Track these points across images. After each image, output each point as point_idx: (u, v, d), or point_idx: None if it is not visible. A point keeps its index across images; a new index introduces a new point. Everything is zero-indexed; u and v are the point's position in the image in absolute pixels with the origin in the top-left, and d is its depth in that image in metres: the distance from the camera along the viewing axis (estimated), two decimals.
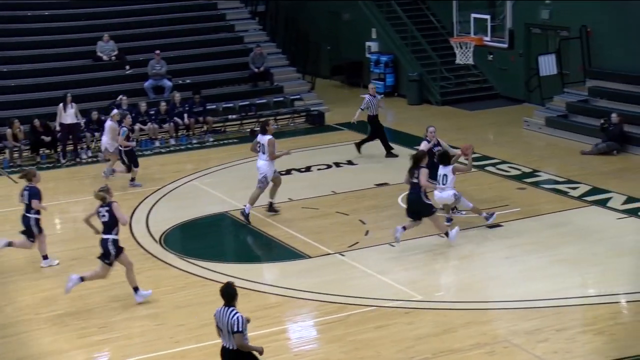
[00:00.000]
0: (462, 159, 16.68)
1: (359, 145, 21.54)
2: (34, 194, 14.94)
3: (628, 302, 13.11)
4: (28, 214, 15.01)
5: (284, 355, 11.72)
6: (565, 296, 13.14)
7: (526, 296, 13.22)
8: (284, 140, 23.49)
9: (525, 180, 19.19)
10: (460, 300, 13.30)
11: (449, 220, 16.24)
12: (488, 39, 26.50)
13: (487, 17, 26.73)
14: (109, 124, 20.15)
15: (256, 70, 26.68)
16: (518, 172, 19.76)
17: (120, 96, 23.78)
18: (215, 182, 20.03)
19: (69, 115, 22.25)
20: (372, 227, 16.49)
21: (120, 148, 19.46)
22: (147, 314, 13.20)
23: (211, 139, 23.96)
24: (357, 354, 11.68)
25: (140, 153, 22.68)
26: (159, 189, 19.41)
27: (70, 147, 22.54)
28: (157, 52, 25.73)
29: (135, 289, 13.49)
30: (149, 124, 23.66)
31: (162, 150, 23.03)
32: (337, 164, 21.06)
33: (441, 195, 15.90)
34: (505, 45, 26.78)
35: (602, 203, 17.37)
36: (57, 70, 25.86)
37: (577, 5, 24.35)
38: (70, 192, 19.84)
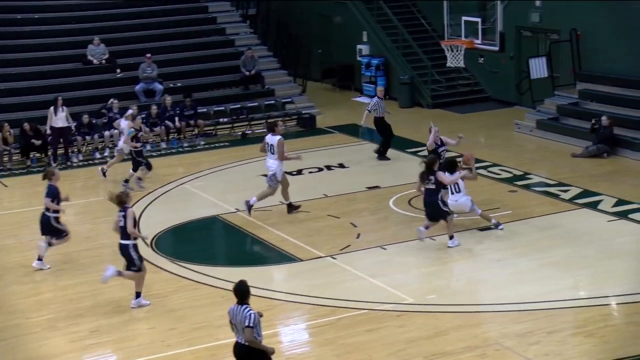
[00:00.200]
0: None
1: (382, 154, 21.37)
2: (48, 192, 15.00)
3: (618, 304, 13.14)
4: (47, 213, 15.07)
5: (276, 358, 11.67)
6: (556, 299, 13.16)
7: (517, 299, 13.24)
8: None
9: (516, 182, 19.23)
10: (451, 303, 13.30)
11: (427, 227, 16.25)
12: (479, 41, 26.57)
13: (478, 20, 26.81)
14: (124, 123, 20.12)
15: (247, 73, 26.67)
16: (509, 175, 19.79)
17: (112, 100, 23.74)
18: (206, 185, 20.01)
19: (59, 118, 22.19)
20: (364, 230, 16.49)
21: (131, 149, 19.46)
22: (139, 317, 13.17)
23: (202, 142, 23.94)
24: (349, 357, 11.69)
25: (131, 156, 22.69)
26: (150, 193, 19.38)
27: (61, 151, 22.48)
28: (148, 55, 25.69)
29: (138, 294, 13.44)
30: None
31: (154, 154, 22.96)
32: (329, 167, 21.06)
33: (458, 201, 15.91)
34: (496, 48, 26.86)
35: (593, 206, 17.42)
36: (47, 73, 25.79)
37: (567, 9, 24.42)
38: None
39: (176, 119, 24.03)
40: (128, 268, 13.32)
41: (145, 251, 15.80)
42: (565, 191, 18.43)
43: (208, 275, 14.56)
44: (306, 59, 28.94)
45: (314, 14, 31.93)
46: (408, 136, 23.12)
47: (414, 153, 21.68)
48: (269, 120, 18.54)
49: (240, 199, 18.47)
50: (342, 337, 12.20)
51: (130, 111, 20.89)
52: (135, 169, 19.53)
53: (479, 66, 27.98)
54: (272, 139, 17.14)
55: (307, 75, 28.65)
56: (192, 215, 17.82)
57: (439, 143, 17.60)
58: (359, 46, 29.95)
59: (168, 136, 23.94)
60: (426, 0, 29.50)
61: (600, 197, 17.89)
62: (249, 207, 17.11)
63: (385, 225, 16.78)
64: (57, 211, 15.02)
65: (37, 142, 22.39)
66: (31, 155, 22.50)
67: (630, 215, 16.72)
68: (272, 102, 26.31)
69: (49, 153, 22.44)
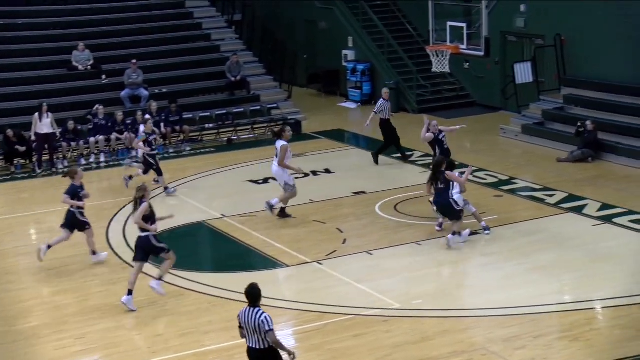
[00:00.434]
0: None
1: (377, 154, 21.46)
2: (67, 190, 15.39)
3: (603, 308, 13.20)
4: (71, 209, 15.38)
5: None
6: (542, 303, 13.20)
7: (503, 303, 13.27)
8: (261, 149, 23.53)
9: (502, 187, 19.29)
10: (437, 308, 13.31)
11: (441, 225, 16.31)
12: (464, 47, 26.68)
13: (463, 25, 26.91)
14: (142, 128, 20.03)
15: (233, 79, 26.66)
16: (495, 180, 19.85)
17: (97, 106, 23.69)
18: (192, 191, 19.96)
19: (44, 124, 22.11)
20: (350, 236, 16.50)
21: (144, 154, 19.42)
22: (125, 324, 13.13)
23: (188, 148, 23.91)
24: None
25: (117, 162, 22.65)
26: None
27: (46, 157, 22.39)
28: (134, 61, 25.64)
29: (130, 292, 13.54)
30: (126, 133, 23.55)
31: (139, 160, 22.90)
32: (315, 173, 21.06)
33: (453, 198, 15.94)
34: (482, 53, 26.96)
35: (578, 210, 17.49)
36: (31, 79, 25.71)
37: (552, 14, 24.53)
38: (46, 202, 19.68)
39: (162, 124, 23.97)
40: (157, 255, 13.73)
41: (131, 257, 15.75)
42: (550, 196, 18.50)
43: (194, 282, 14.52)
44: (292, 64, 28.95)
45: (300, 19, 31.96)
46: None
47: (400, 158, 21.70)
48: (278, 124, 18.59)
49: (226, 205, 18.51)
50: (329, 342, 12.19)
51: (147, 116, 20.79)
52: (159, 172, 19.45)
53: (465, 71, 28.07)
54: (277, 144, 17.42)
55: (292, 81, 28.67)
56: (178, 221, 17.71)
57: (438, 132, 18.23)
58: (344, 51, 30.00)
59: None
60: (412, 1, 29.56)
61: (585, 201, 17.97)
62: (271, 206, 17.34)
63: (372, 230, 16.79)
64: (80, 206, 15.40)
65: (22, 149, 22.30)
66: (15, 162, 22.41)
67: (614, 220, 16.79)
68: (258, 107, 26.31)
69: (34, 159, 22.35)
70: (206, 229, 17.46)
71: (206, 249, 17.39)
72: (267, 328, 9.62)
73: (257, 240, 16.45)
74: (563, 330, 12.40)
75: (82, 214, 15.46)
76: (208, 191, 19.90)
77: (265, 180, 20.33)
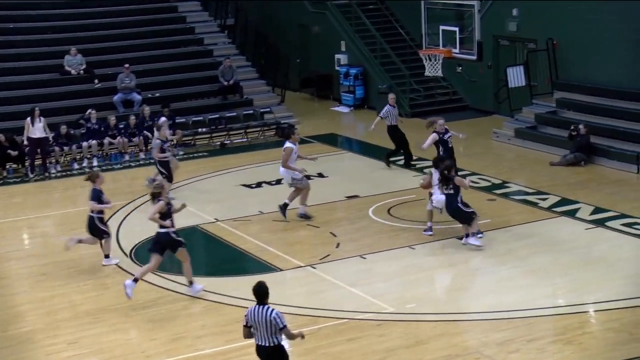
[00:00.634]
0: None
1: (406, 162, 21.41)
2: (92, 196, 15.33)
3: (596, 311, 13.22)
4: (91, 214, 15.34)
5: None
6: (535, 306, 13.21)
7: (497, 307, 13.28)
8: (254, 154, 23.55)
9: (495, 191, 19.30)
10: (431, 312, 13.31)
11: (429, 230, 16.31)
12: (457, 51, 26.74)
13: (456, 29, 26.98)
14: (157, 134, 19.87)
15: (226, 83, 26.65)
16: (488, 184, 19.87)
17: (89, 110, 23.66)
18: (185, 195, 19.91)
19: (37, 129, 22.05)
20: (343, 240, 16.49)
21: (155, 159, 19.35)
22: (118, 328, 13.10)
23: (181, 152, 23.86)
24: None
25: (110, 167, 22.62)
26: (129, 203, 19.29)
27: (38, 162, 22.34)
28: (126, 65, 25.62)
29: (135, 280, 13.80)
30: (119, 137, 23.54)
31: (132, 164, 22.91)
32: (308, 177, 20.98)
33: (441, 198, 15.96)
34: (474, 57, 27.01)
35: (571, 214, 17.51)
36: (23, 84, 25.66)
37: (544, 18, 24.59)
38: (39, 207, 19.66)
39: (154, 129, 23.94)
40: (175, 249, 13.81)
41: (125, 261, 15.76)
42: (543, 199, 18.52)
43: (188, 286, 14.48)
44: (284, 68, 28.97)
45: (293, 23, 31.98)
46: (386, 145, 23.13)
47: (392, 162, 21.70)
48: (286, 128, 18.61)
49: (219, 209, 18.45)
50: (323, 346, 12.18)
51: (163, 119, 20.64)
52: (169, 179, 19.34)
53: (457, 75, 28.11)
54: (284, 146, 17.64)
55: (285, 85, 28.68)
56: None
57: (444, 131, 18.33)
58: (337, 56, 30.02)
59: (147, 146, 23.84)
60: (405, 4, 29.60)
61: (578, 205, 18.00)
62: (302, 215, 17.52)
63: (365, 234, 16.79)
64: (100, 212, 15.39)
65: (14, 153, 22.25)
66: (7, 166, 22.35)
67: (607, 223, 16.82)
68: (251, 112, 26.29)
69: (26, 164, 22.30)
70: (199, 233, 17.44)
71: (199, 253, 17.31)
72: (281, 325, 9.72)
73: (250, 245, 16.43)
74: (556, 334, 12.40)
75: (101, 219, 15.42)
76: (201, 195, 19.87)
77: (259, 185, 20.33)
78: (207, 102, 26.72)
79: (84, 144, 23.08)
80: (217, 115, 25.67)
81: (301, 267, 15.25)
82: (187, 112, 25.56)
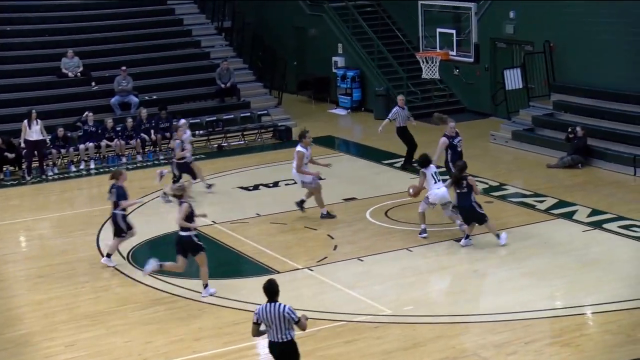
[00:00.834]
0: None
1: (407, 162, 21.30)
2: (120, 194, 15.40)
3: (593, 313, 13.22)
4: (115, 211, 15.40)
5: None
6: (533, 309, 13.21)
7: (494, 309, 13.29)
8: (251, 156, 23.56)
9: (492, 193, 19.30)
10: (428, 314, 13.31)
11: (424, 232, 16.31)
12: (454, 53, 26.74)
13: (453, 31, 26.97)
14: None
15: (223, 85, 26.65)
16: (485, 186, 19.85)
17: (86, 112, 23.65)
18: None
19: (34, 131, 22.05)
20: (341, 242, 16.49)
21: (174, 160, 19.37)
22: (115, 331, 13.08)
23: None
24: None
25: (107, 170, 22.58)
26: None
27: (35, 164, 22.32)
28: (123, 68, 25.62)
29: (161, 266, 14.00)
30: (116, 140, 23.52)
31: (129, 167, 22.88)
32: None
33: (437, 193, 15.99)
34: (471, 60, 27.01)
35: (568, 216, 17.52)
36: (20, 86, 25.63)
37: (541, 21, 24.62)
38: (36, 210, 19.65)
39: (152, 131, 23.96)
40: (196, 253, 13.84)
41: (122, 264, 15.73)
42: (541, 202, 18.54)
43: (185, 288, 14.47)
44: (282, 71, 28.97)
45: (290, 26, 31.99)
46: (384, 148, 23.19)
47: (390, 165, 21.72)
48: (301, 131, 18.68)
49: (217, 211, 18.43)
50: (321, 348, 12.17)
51: (182, 120, 20.62)
52: (176, 181, 19.33)
53: (454, 77, 28.13)
54: (296, 149, 17.72)
55: (282, 88, 28.67)
56: (168, 228, 17.68)
57: (454, 134, 18.33)
58: (334, 58, 30.02)
59: (144, 149, 23.85)
60: (402, 6, 29.60)
61: (575, 207, 18.02)
62: (324, 215, 17.65)
63: (363, 236, 16.79)
64: (124, 209, 15.45)
65: (11, 156, 22.23)
66: (4, 169, 22.33)
67: (604, 225, 16.84)
68: (248, 114, 26.29)
69: (23, 166, 22.28)
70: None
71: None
72: (296, 319, 9.88)
73: (247, 247, 16.43)
74: (554, 336, 12.41)
75: (124, 217, 15.51)
76: (198, 198, 19.83)
77: (256, 187, 20.33)
78: (204, 104, 26.71)
79: (81, 146, 23.06)
80: (214, 118, 25.66)
81: (299, 269, 15.24)
82: (184, 115, 25.41)
